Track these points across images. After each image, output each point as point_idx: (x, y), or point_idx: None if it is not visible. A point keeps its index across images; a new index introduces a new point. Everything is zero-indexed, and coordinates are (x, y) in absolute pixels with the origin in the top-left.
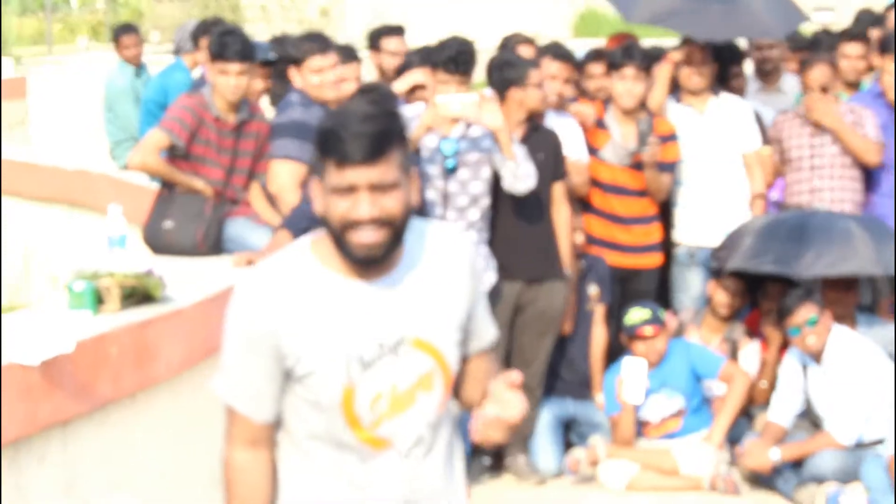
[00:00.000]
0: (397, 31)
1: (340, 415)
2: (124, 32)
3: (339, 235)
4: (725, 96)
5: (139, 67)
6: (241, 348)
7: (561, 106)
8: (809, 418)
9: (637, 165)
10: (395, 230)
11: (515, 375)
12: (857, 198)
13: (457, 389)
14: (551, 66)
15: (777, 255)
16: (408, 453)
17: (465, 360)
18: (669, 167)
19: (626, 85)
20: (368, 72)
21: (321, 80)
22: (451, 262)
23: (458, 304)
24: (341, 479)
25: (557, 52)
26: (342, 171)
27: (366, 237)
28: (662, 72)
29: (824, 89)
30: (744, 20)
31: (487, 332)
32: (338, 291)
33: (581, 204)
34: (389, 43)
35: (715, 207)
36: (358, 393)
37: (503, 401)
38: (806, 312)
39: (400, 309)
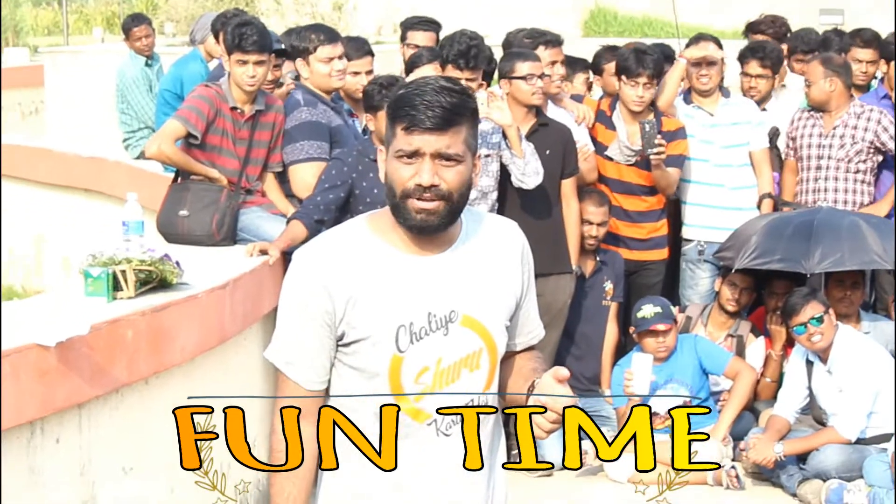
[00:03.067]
0: (428, 23)
1: (386, 383)
2: (135, 23)
3: (399, 202)
4: (735, 97)
5: (150, 58)
6: (295, 315)
7: (558, 99)
8: (813, 414)
9: (643, 164)
10: (452, 205)
11: (563, 370)
12: (861, 201)
13: (502, 386)
14: (543, 54)
15: (785, 252)
16: (448, 430)
17: (511, 354)
18: (678, 161)
19: (638, 91)
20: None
21: (330, 69)
22: (506, 250)
23: (509, 291)
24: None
25: (546, 38)
26: (410, 136)
27: (424, 203)
28: (675, 71)
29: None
30: None
31: (536, 329)
32: (393, 263)
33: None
34: (415, 36)
35: (724, 205)
36: (405, 363)
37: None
38: (811, 311)
39: (453, 285)
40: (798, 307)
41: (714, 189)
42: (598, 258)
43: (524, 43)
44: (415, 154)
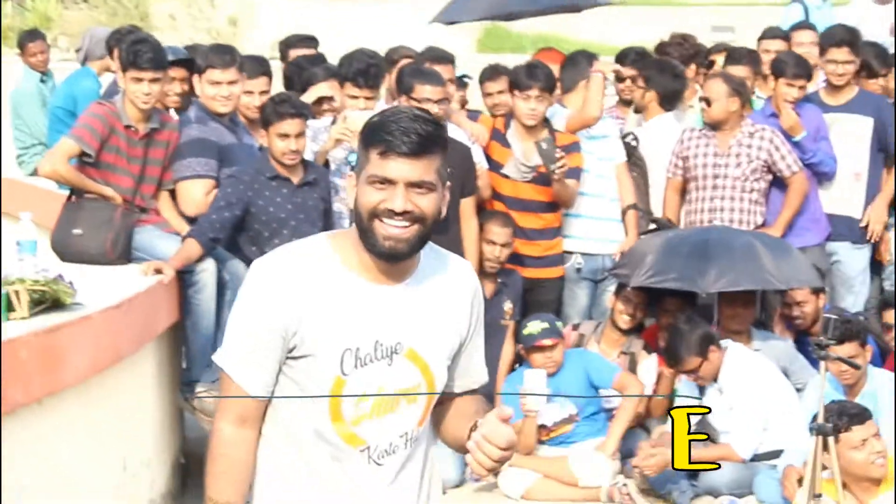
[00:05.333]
0: (308, 40)
1: (326, 404)
2: (30, 39)
3: (367, 226)
4: None
5: (45, 74)
6: (248, 322)
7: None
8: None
9: (539, 179)
10: (422, 230)
11: (508, 409)
12: (755, 221)
13: (441, 425)
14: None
15: (680, 271)
16: (380, 460)
17: (452, 396)
18: (575, 173)
19: (530, 105)
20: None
21: (216, 93)
22: (459, 291)
23: (455, 331)
24: (312, 475)
25: (434, 55)
26: (385, 162)
27: (393, 230)
28: (595, 84)
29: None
30: None
31: (479, 373)
32: (348, 286)
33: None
34: (297, 54)
35: (604, 216)
36: (347, 387)
37: (495, 432)
38: (692, 362)
39: (403, 317)
40: (681, 356)
41: (595, 200)
42: (498, 279)
43: (417, 59)
44: (387, 181)
